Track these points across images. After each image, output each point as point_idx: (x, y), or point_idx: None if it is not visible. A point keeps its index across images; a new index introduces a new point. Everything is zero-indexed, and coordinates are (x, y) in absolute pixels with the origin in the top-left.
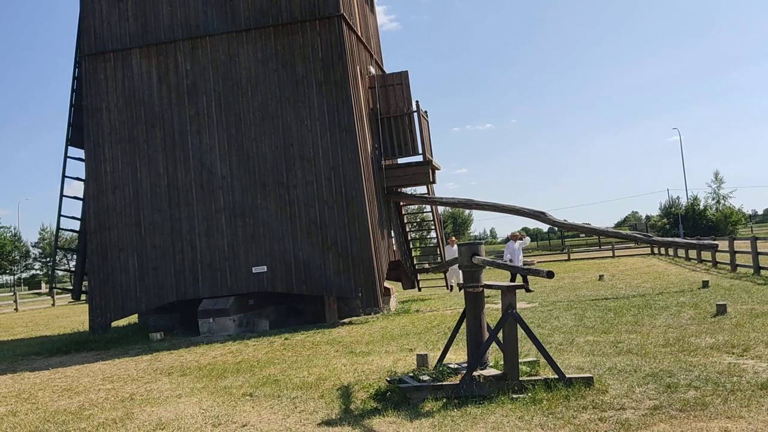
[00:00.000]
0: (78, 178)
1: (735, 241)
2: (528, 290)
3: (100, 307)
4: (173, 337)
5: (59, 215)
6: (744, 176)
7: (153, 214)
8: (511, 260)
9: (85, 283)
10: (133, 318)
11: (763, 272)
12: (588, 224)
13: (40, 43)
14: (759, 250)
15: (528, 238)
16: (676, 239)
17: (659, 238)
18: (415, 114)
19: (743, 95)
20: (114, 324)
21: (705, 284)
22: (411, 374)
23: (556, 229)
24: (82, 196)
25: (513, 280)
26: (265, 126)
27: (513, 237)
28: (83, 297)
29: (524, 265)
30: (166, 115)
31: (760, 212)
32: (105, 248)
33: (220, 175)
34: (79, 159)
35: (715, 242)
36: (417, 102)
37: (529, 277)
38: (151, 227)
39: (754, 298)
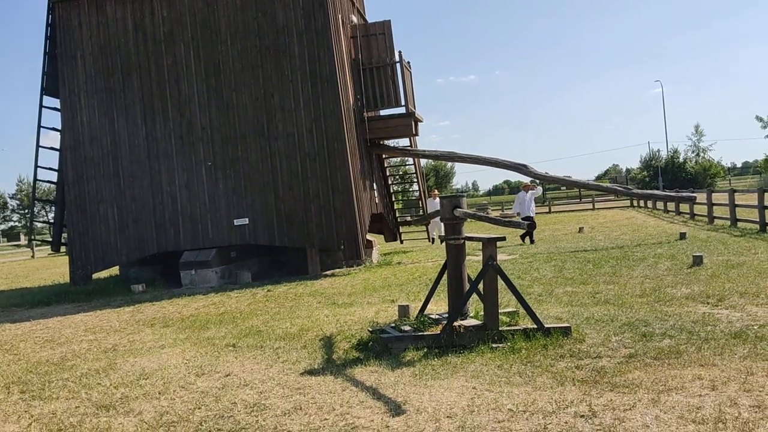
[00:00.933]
0: (54, 129)
1: (713, 194)
2: (532, 241)
3: (81, 259)
4: (155, 289)
5: (36, 166)
6: (724, 129)
7: (132, 165)
8: (519, 213)
9: (65, 234)
10: (114, 270)
11: (739, 224)
12: (569, 177)
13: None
14: (736, 203)
15: (540, 188)
16: (655, 192)
17: (639, 191)
18: (398, 65)
19: (726, 48)
20: (95, 276)
21: (682, 236)
22: (392, 325)
23: (537, 181)
24: (58, 147)
25: (525, 236)
26: (245, 76)
27: (525, 187)
28: (63, 249)
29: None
30: (143, 63)
31: (739, 165)
32: (83, 200)
33: (200, 126)
34: (55, 109)
35: (694, 195)
36: (400, 52)
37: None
38: (130, 179)
39: (730, 249)
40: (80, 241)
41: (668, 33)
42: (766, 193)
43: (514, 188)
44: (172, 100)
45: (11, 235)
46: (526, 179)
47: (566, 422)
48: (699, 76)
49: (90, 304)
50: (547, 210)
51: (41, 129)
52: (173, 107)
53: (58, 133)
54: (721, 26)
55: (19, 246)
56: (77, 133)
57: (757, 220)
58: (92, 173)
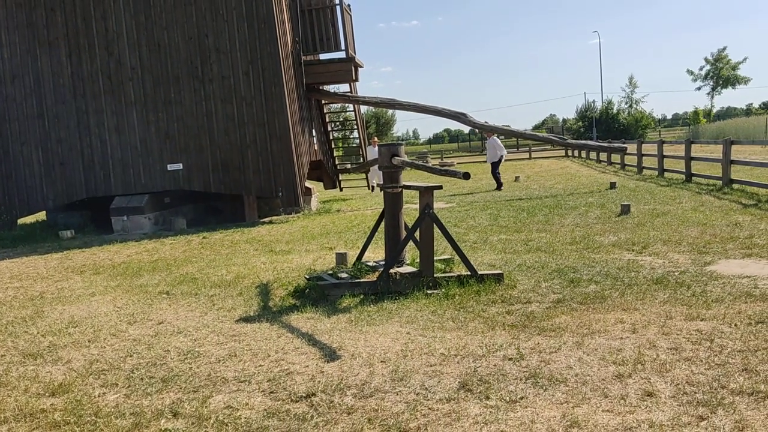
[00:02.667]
0: None
1: (643, 145)
2: (499, 188)
3: (4, 204)
4: (85, 235)
5: None
6: (658, 82)
7: (57, 105)
8: (502, 156)
9: None
10: (41, 216)
11: (666, 174)
12: (507, 126)
13: None
14: (664, 153)
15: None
16: (589, 142)
17: (573, 141)
18: (338, 7)
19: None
20: (20, 221)
21: (612, 185)
22: (330, 272)
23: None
24: None
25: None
26: (177, 14)
27: (488, 135)
28: None
29: (445, 166)
30: None
31: (670, 117)
32: (6, 141)
33: (129, 66)
34: None
35: (624, 145)
36: None
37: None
38: (56, 119)
39: (657, 198)
40: (4, 184)
41: None
42: (692, 145)
43: (453, 137)
44: (99, 38)
45: None
46: (466, 128)
47: (495, 365)
48: (635, 28)
49: (15, 251)
50: (485, 159)
51: None
52: (100, 45)
53: None
54: None
55: None
56: None
57: (683, 170)
58: (14, 113)
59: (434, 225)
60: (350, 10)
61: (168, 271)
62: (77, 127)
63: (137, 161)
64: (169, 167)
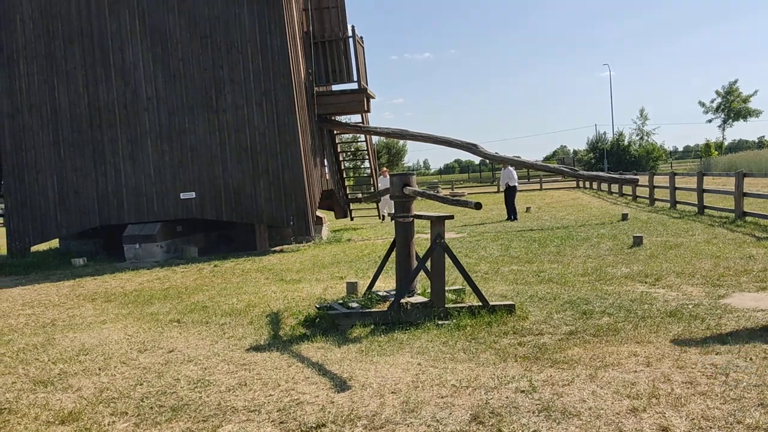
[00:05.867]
0: None
1: (654, 177)
2: (514, 219)
3: (19, 231)
4: (97, 263)
5: None
6: (668, 114)
7: (73, 134)
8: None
9: (2, 205)
10: (54, 243)
11: (679, 206)
12: (518, 157)
13: None
14: (676, 186)
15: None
16: (600, 173)
17: (584, 172)
18: (351, 39)
19: (673, 34)
20: (34, 249)
21: (624, 217)
22: (340, 301)
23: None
24: None
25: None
26: (193, 46)
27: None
28: (0, 220)
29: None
30: (86, 29)
31: (681, 149)
32: (22, 169)
33: (145, 96)
34: None
35: (636, 177)
36: (353, 27)
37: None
38: (71, 148)
39: (669, 230)
40: (18, 212)
41: (618, 18)
42: (704, 177)
43: (464, 167)
44: (116, 68)
45: None
46: (477, 159)
47: (507, 397)
48: (646, 61)
49: (28, 278)
50: (497, 189)
51: None
52: (117, 76)
53: None
54: (669, 13)
55: None
56: (15, 100)
57: (696, 202)
58: (31, 142)
59: (445, 255)
60: (363, 42)
61: (179, 299)
62: (92, 156)
63: (150, 190)
64: (182, 196)
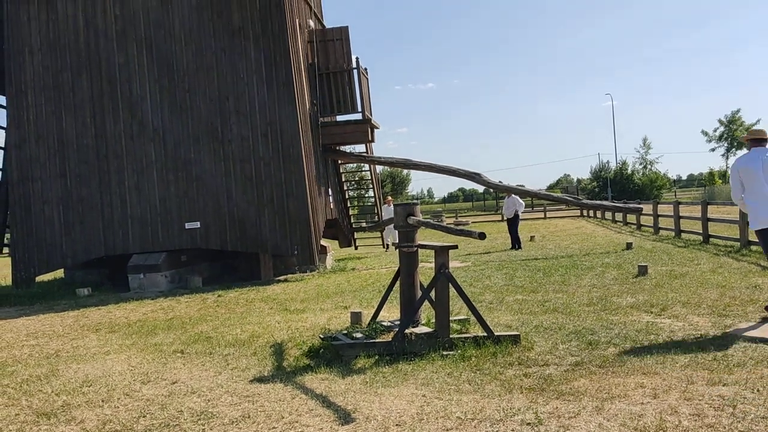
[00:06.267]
0: None
1: (659, 205)
2: (518, 247)
3: (24, 261)
4: (101, 293)
5: None
6: (671, 143)
7: (80, 165)
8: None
9: (8, 235)
10: (59, 273)
11: (683, 235)
12: (522, 186)
13: None
14: (680, 214)
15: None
16: (604, 203)
17: (588, 201)
18: (355, 71)
19: (675, 64)
20: (39, 279)
21: (629, 246)
22: (344, 332)
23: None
24: (3, 145)
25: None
26: (200, 77)
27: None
28: (6, 250)
29: (460, 225)
30: (94, 62)
31: (685, 177)
32: (28, 200)
33: (152, 127)
34: (0, 106)
35: (640, 206)
36: (357, 58)
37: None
38: (78, 179)
39: (674, 260)
40: (24, 242)
41: (621, 48)
42: (709, 206)
43: (468, 196)
44: (123, 100)
45: None
46: (481, 187)
47: (513, 430)
48: (648, 90)
49: (33, 308)
50: (501, 218)
51: None
52: (124, 107)
53: (3, 130)
54: (671, 43)
55: None
56: (23, 131)
57: (701, 231)
58: (38, 173)
59: (450, 285)
60: (367, 73)
61: (183, 330)
62: (98, 187)
63: (156, 220)
64: (187, 225)
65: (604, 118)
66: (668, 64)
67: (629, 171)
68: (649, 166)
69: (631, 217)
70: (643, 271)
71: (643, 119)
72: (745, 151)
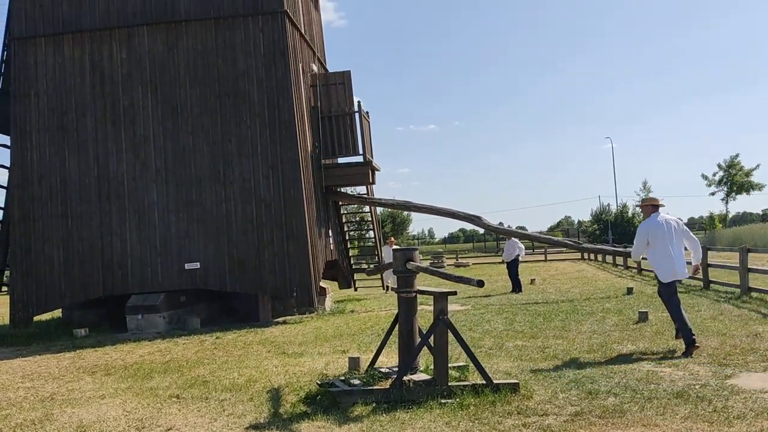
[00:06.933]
0: (2, 166)
1: None
2: (518, 291)
3: (22, 301)
4: (99, 333)
5: None
6: (671, 185)
7: (81, 205)
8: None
9: (7, 274)
10: (57, 313)
11: (684, 281)
12: (523, 228)
13: None
14: None
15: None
16: (605, 246)
17: (589, 245)
18: (357, 114)
19: (674, 107)
20: (36, 318)
21: (629, 291)
22: (342, 378)
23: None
24: (5, 185)
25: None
26: (203, 120)
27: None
28: (4, 289)
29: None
30: (99, 104)
31: (685, 221)
32: (29, 240)
33: (154, 169)
34: (4, 146)
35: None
36: (359, 102)
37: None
38: (79, 219)
39: None
40: (23, 282)
41: (619, 91)
42: (709, 251)
43: (468, 236)
44: (127, 142)
45: None
46: (481, 230)
47: None
48: (647, 133)
49: (29, 349)
50: (501, 260)
51: None
52: (127, 149)
53: (6, 170)
54: (669, 86)
55: None
56: (26, 171)
57: (701, 277)
58: (39, 213)
59: (449, 331)
60: (368, 116)
61: (179, 373)
62: (99, 227)
63: (155, 260)
64: (187, 266)
65: (604, 160)
66: (668, 107)
67: (630, 214)
68: None
69: (632, 261)
70: (643, 317)
71: (643, 162)
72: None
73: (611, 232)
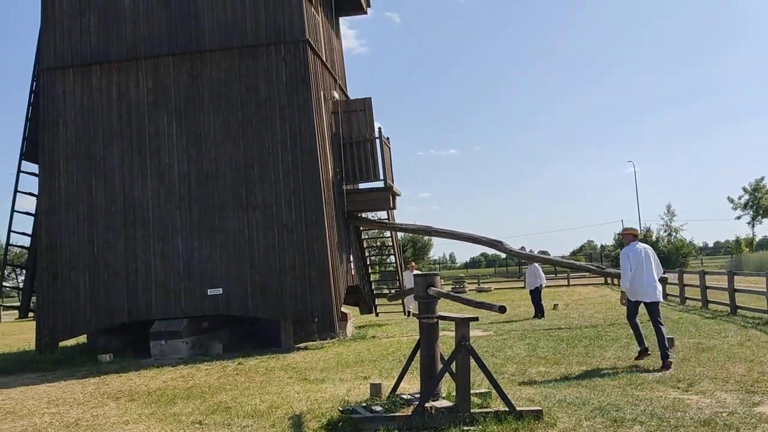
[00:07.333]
0: (30, 194)
1: (684, 274)
2: (541, 316)
3: (48, 327)
4: (123, 359)
5: (9, 230)
6: (697, 209)
7: (107, 232)
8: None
9: (34, 300)
10: (82, 338)
11: (710, 305)
12: (545, 252)
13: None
14: (707, 284)
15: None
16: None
17: (612, 270)
18: (377, 140)
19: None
20: (62, 344)
21: None
22: (364, 404)
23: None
24: (33, 212)
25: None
26: (226, 147)
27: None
28: (31, 315)
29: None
30: (125, 132)
31: (711, 244)
32: (56, 266)
33: (178, 195)
34: (33, 174)
35: (665, 275)
36: (380, 128)
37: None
38: (105, 246)
39: (701, 332)
40: (49, 308)
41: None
42: (735, 276)
43: (490, 261)
44: (152, 169)
45: None
46: (503, 255)
47: None
48: (671, 156)
49: (54, 374)
50: (523, 285)
51: (17, 193)
52: (152, 176)
53: (35, 198)
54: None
55: None
56: (54, 199)
57: (728, 302)
58: (66, 240)
59: (471, 357)
60: (389, 142)
61: (202, 399)
62: (124, 253)
63: (179, 286)
64: (210, 292)
65: (626, 184)
66: (692, 131)
67: (654, 238)
68: (674, 234)
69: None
70: (669, 343)
71: (667, 185)
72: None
73: None
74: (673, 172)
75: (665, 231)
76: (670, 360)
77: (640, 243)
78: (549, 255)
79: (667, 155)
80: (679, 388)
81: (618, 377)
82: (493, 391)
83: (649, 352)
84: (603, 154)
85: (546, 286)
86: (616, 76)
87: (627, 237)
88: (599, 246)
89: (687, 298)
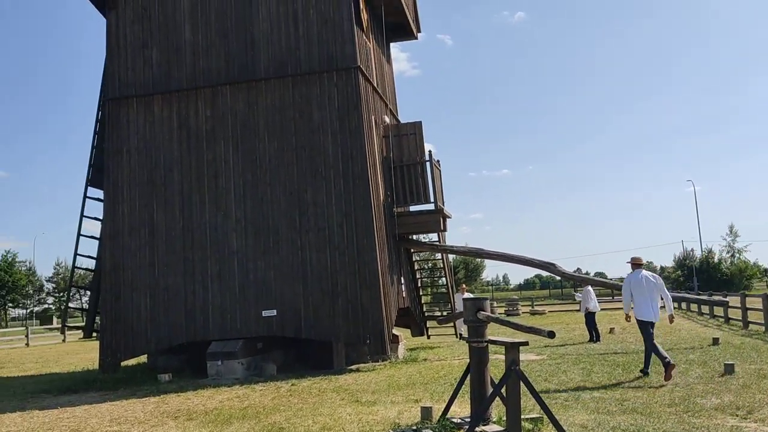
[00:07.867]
0: (95, 218)
1: (747, 298)
2: (597, 340)
3: (111, 347)
4: (181, 379)
5: (75, 254)
6: (760, 229)
7: (167, 255)
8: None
9: (98, 320)
10: (142, 358)
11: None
12: (602, 275)
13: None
14: None
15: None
16: (687, 295)
17: (669, 294)
18: (428, 163)
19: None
20: (123, 364)
21: (715, 341)
22: (414, 427)
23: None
24: (98, 236)
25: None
26: (281, 172)
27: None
28: (95, 335)
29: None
30: (185, 159)
31: None
32: (119, 288)
33: (235, 219)
34: (98, 199)
35: (726, 299)
36: (430, 151)
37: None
38: (165, 268)
39: (763, 357)
40: (112, 328)
41: (700, 132)
42: None
43: (545, 283)
44: (210, 194)
45: (44, 317)
46: (557, 277)
47: None
48: (732, 175)
49: (116, 393)
50: (579, 308)
51: (83, 218)
52: (210, 200)
53: (99, 222)
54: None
55: (51, 329)
56: (117, 223)
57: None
58: (129, 262)
59: (521, 382)
60: (439, 165)
61: (257, 420)
62: (183, 276)
63: (234, 307)
64: (264, 313)
65: (686, 203)
66: (752, 149)
67: (716, 260)
68: (737, 255)
69: (719, 310)
70: (729, 369)
71: (729, 205)
72: None
73: (696, 279)
74: (737, 190)
75: (728, 252)
76: (648, 371)
77: (644, 271)
78: (606, 277)
79: (729, 173)
80: (737, 415)
81: (675, 404)
82: (545, 416)
83: (673, 363)
84: (660, 172)
85: (602, 309)
86: (670, 93)
87: (632, 265)
88: (659, 267)
89: (750, 322)
